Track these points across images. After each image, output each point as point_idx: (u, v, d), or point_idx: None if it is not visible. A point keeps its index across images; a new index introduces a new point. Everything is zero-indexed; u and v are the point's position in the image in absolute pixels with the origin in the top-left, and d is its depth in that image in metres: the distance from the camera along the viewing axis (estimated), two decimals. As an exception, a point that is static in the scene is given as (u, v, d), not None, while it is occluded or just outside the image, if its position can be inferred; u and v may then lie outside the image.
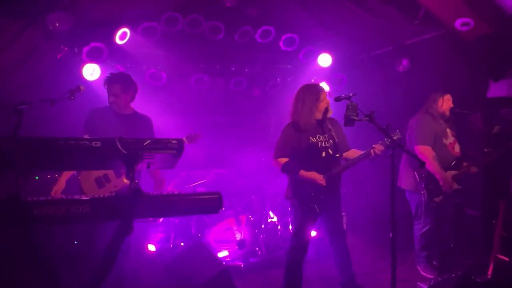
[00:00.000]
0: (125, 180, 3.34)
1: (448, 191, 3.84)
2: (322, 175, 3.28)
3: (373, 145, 3.21)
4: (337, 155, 3.41)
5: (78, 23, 4.07)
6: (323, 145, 3.37)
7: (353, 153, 3.50)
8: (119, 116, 3.44)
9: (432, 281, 3.72)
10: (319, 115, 3.39)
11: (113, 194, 1.93)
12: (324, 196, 3.31)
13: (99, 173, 3.29)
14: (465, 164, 3.95)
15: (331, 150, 3.39)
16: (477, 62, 4.39)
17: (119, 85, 3.37)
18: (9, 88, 4.19)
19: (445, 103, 4.03)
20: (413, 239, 4.24)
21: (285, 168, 3.36)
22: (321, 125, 3.45)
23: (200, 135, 3.86)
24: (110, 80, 3.39)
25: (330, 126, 3.47)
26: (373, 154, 3.21)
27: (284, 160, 3.36)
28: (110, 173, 3.32)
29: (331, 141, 3.42)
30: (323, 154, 3.36)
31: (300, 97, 3.40)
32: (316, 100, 3.35)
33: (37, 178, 4.02)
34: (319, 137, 3.38)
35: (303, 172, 3.29)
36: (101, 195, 1.85)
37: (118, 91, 3.36)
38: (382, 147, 3.17)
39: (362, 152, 3.34)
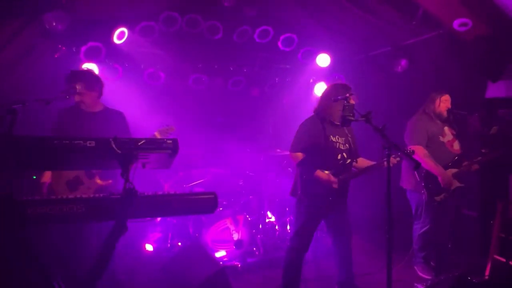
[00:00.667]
0: (99, 181, 3.27)
1: (448, 188, 3.83)
2: (337, 179, 3.25)
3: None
4: (349, 160, 3.39)
5: (75, 22, 4.06)
6: (340, 147, 3.37)
7: (361, 161, 3.50)
8: (89, 115, 3.35)
9: (429, 281, 3.72)
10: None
11: (108, 194, 1.92)
12: (332, 197, 3.31)
13: (70, 176, 3.18)
14: (465, 163, 3.94)
15: (345, 154, 3.39)
16: (475, 63, 4.38)
17: (81, 83, 3.24)
18: (6, 88, 4.18)
19: (443, 103, 4.02)
20: (411, 239, 4.24)
21: (302, 163, 3.34)
22: (341, 128, 3.45)
23: (173, 128, 3.43)
24: (70, 79, 3.24)
25: (347, 132, 3.48)
26: (385, 165, 3.20)
27: (302, 155, 3.34)
28: (81, 174, 3.22)
29: (347, 145, 3.42)
30: (338, 156, 3.35)
31: (328, 93, 3.39)
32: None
33: (34, 177, 4.01)
34: (337, 138, 3.38)
35: (319, 172, 3.26)
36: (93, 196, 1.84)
37: (82, 89, 3.24)
38: (395, 161, 3.14)
39: (372, 162, 3.36)
